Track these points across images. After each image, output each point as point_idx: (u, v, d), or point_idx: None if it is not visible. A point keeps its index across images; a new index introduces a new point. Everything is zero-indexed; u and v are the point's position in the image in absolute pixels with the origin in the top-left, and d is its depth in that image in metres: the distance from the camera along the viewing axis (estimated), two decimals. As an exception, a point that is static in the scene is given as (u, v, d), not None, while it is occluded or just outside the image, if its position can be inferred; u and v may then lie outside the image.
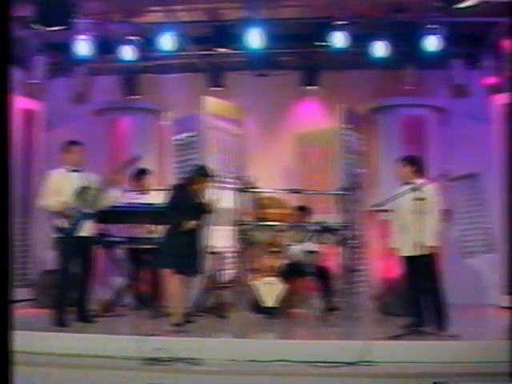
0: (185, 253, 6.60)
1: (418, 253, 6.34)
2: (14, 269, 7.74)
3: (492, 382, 5.10)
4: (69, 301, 6.96)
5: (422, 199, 6.40)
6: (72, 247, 6.83)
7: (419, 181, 6.53)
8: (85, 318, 6.94)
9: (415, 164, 6.71)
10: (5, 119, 2.73)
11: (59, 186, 6.87)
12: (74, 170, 6.97)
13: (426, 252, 6.37)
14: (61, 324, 6.64)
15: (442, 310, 6.41)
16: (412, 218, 6.39)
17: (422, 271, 6.45)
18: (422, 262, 6.42)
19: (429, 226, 6.39)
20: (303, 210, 8.29)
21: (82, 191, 6.86)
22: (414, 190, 6.36)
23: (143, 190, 8.13)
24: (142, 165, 8.67)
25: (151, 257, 7.72)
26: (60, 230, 6.82)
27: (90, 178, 6.98)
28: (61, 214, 6.79)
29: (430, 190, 6.53)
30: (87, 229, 6.92)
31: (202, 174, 6.91)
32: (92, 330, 6.57)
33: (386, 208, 6.71)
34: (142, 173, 8.31)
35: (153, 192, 8.06)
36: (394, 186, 6.87)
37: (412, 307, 6.59)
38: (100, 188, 6.96)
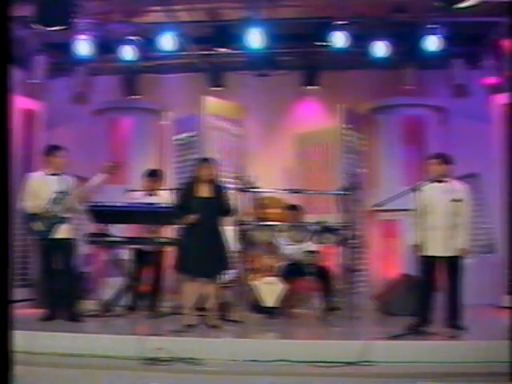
0: (197, 255, 6.56)
1: (449, 254, 6.38)
2: (14, 269, 7.77)
3: (492, 382, 5.09)
4: (60, 300, 7.02)
5: (459, 200, 6.43)
6: (48, 249, 7.00)
7: (450, 179, 6.57)
8: (72, 317, 6.95)
9: (449, 162, 6.70)
10: (5, 119, 2.73)
11: (37, 189, 6.98)
12: (53, 174, 7.02)
13: (457, 253, 6.43)
14: (46, 319, 6.89)
15: (459, 310, 6.45)
16: (446, 218, 6.43)
17: (449, 272, 6.49)
18: (451, 263, 6.46)
19: (462, 228, 6.46)
20: (295, 208, 8.28)
21: (59, 195, 6.92)
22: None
23: (152, 191, 8.10)
24: (142, 165, 8.72)
25: (154, 257, 7.75)
26: (35, 232, 6.98)
27: (69, 182, 7.04)
28: (36, 217, 6.90)
29: (464, 191, 6.56)
30: (63, 231, 6.98)
31: (201, 161, 6.92)
32: (92, 329, 6.58)
33: (410, 207, 6.69)
34: (154, 174, 8.29)
35: (161, 192, 8.03)
36: (394, 186, 6.88)
37: (419, 307, 6.59)
38: (76, 194, 7.01)
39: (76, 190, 7.03)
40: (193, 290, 6.68)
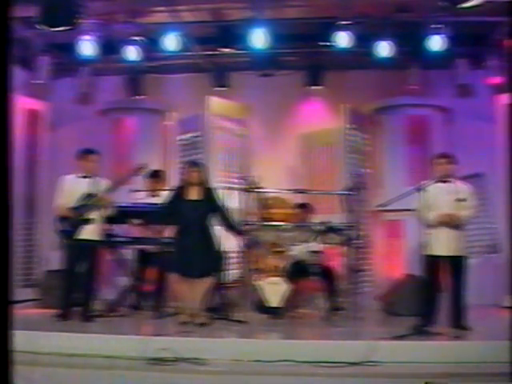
0: (187, 257, 6.60)
1: (453, 253, 6.39)
2: (15, 268, 7.75)
3: (492, 382, 5.09)
4: (74, 300, 7.04)
5: (463, 200, 6.43)
6: (73, 249, 6.99)
7: (453, 179, 6.58)
8: (87, 317, 6.97)
9: (456, 162, 6.71)
10: (6, 119, 2.72)
11: (69, 191, 7.04)
12: (85, 176, 7.07)
13: (463, 253, 6.45)
14: (62, 319, 6.85)
15: (463, 310, 6.45)
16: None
17: (453, 272, 6.52)
18: (455, 263, 6.49)
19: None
20: (304, 207, 8.29)
21: (88, 197, 6.97)
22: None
23: (154, 191, 8.11)
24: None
25: (158, 257, 7.74)
26: (61, 232, 7.02)
27: (100, 185, 7.05)
28: (63, 217, 6.98)
29: (468, 190, 6.57)
30: (89, 232, 7.00)
31: (191, 165, 6.96)
32: (96, 329, 6.58)
33: (413, 207, 6.71)
34: (156, 175, 8.29)
35: (164, 193, 8.03)
36: (399, 186, 6.89)
37: (424, 307, 6.58)
38: (106, 195, 7.03)
39: (104, 191, 7.05)
40: (185, 290, 6.71)
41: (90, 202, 6.99)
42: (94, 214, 7.03)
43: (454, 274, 6.52)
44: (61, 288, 7.20)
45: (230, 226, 7.03)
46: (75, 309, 7.07)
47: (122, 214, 7.56)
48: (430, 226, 6.43)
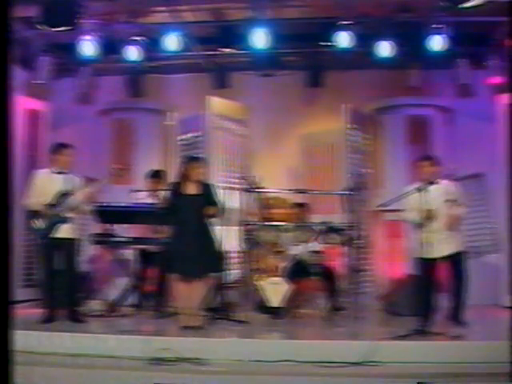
0: (185, 255, 6.52)
1: (447, 253, 6.40)
2: (16, 268, 7.72)
3: (492, 382, 5.09)
4: (58, 300, 6.98)
5: (454, 200, 6.46)
6: (47, 248, 6.90)
7: (441, 180, 6.59)
8: (74, 318, 6.93)
9: (439, 164, 6.72)
10: (6, 119, 2.73)
11: (43, 187, 6.90)
12: (60, 172, 6.98)
13: (459, 249, 6.55)
14: (45, 321, 6.73)
15: (462, 305, 6.46)
16: (441, 219, 6.44)
17: (454, 269, 6.60)
18: (452, 261, 6.57)
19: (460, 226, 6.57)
20: (301, 206, 8.29)
21: (63, 195, 6.87)
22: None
23: (155, 191, 8.10)
24: (147, 166, 8.74)
25: (158, 257, 7.74)
26: (35, 230, 6.90)
27: (74, 182, 6.99)
28: (38, 215, 6.84)
29: (456, 191, 6.59)
30: (65, 231, 6.90)
31: (192, 161, 6.89)
32: (97, 329, 6.58)
33: (402, 208, 6.72)
34: (156, 175, 8.29)
35: (165, 193, 8.02)
36: (400, 186, 6.90)
37: (423, 307, 6.58)
38: (81, 194, 6.96)
39: (82, 190, 6.98)
40: (184, 290, 6.64)
41: (66, 199, 6.85)
42: (71, 212, 6.94)
43: (454, 272, 6.55)
44: (42, 288, 7.16)
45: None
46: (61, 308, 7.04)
47: (123, 214, 7.56)
48: (417, 225, 6.49)
